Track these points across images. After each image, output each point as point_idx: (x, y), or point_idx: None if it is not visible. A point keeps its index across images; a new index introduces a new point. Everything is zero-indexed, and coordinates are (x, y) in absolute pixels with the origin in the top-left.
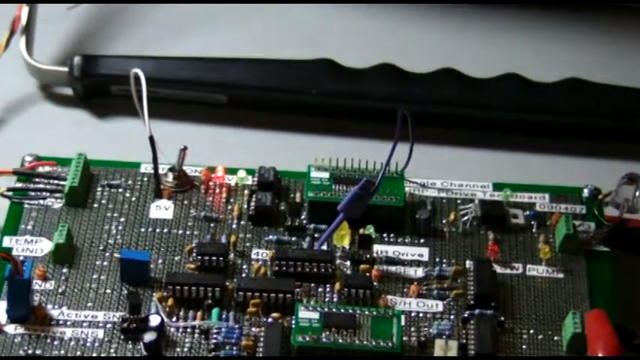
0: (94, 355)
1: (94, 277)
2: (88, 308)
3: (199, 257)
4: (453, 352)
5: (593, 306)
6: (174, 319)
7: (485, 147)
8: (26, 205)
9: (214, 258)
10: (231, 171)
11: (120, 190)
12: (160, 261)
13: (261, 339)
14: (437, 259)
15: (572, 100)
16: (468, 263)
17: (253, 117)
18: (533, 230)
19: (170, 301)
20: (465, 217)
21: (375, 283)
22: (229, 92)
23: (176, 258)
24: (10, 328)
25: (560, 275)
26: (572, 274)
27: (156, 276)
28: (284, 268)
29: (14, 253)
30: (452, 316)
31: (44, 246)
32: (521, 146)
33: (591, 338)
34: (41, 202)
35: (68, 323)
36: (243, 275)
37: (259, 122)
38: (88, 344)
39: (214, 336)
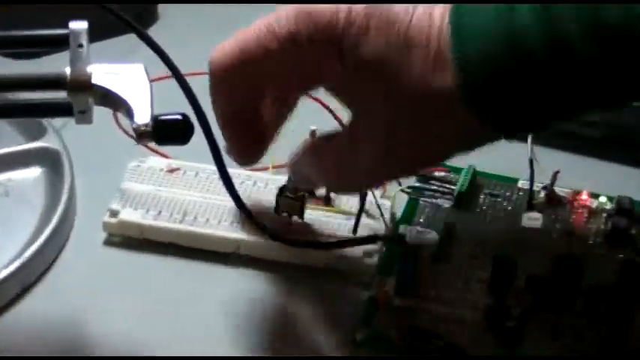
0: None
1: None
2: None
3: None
4: None
5: None
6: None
7: None
8: (421, 202)
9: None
10: (594, 195)
11: (499, 199)
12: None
13: None
14: None
15: None
16: None
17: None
18: None
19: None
20: None
21: None
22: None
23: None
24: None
25: None
26: None
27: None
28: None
29: (407, 240)
30: None
31: (431, 237)
32: None
33: None
34: (434, 200)
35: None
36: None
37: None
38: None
39: None
